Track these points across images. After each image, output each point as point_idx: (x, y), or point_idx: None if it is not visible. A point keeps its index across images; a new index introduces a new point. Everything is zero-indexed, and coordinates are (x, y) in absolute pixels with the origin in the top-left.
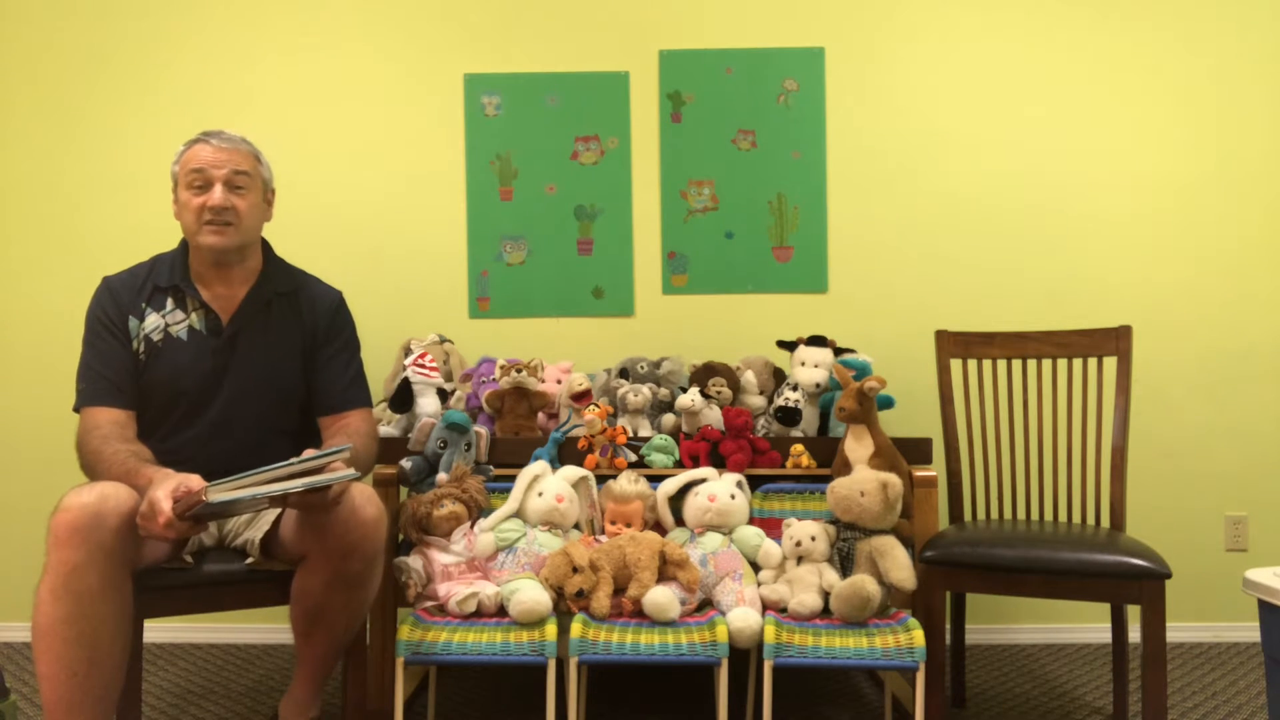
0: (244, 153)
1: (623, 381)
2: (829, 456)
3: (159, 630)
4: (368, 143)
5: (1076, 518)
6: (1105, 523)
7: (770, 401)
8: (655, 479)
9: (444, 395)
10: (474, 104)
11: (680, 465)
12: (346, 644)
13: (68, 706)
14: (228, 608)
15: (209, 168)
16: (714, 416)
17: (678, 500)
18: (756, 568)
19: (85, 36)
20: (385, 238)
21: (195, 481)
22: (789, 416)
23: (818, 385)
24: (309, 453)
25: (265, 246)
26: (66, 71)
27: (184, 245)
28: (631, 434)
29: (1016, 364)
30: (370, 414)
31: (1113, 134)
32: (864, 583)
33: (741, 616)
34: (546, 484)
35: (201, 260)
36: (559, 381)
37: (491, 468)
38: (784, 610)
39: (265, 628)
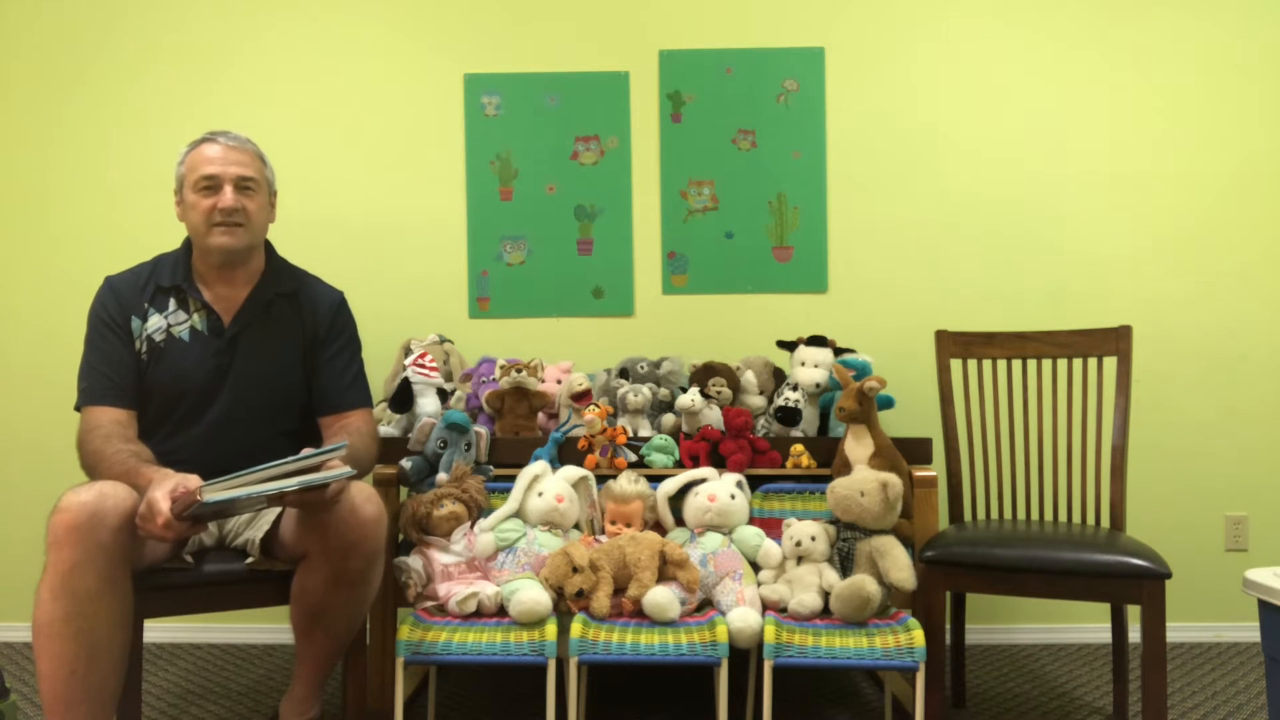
0: (251, 153)
1: (623, 381)
2: (829, 456)
3: (159, 630)
4: (368, 142)
5: (1076, 518)
6: (1105, 523)
7: (770, 401)
8: (655, 479)
9: (444, 395)
10: (474, 104)
11: (680, 465)
12: (347, 644)
13: (66, 704)
14: (228, 608)
15: (219, 169)
16: (714, 416)
17: (678, 500)
18: (756, 568)
19: (78, 36)
20: (385, 238)
21: (193, 481)
22: (789, 416)
23: (818, 385)
24: (306, 451)
25: (268, 247)
26: (58, 72)
27: (186, 245)
28: (631, 434)
29: (1016, 364)
30: (371, 414)
31: (1113, 134)
32: (864, 583)
33: (741, 616)
34: (546, 484)
35: (206, 261)
36: (559, 381)
37: (491, 468)
38: (784, 610)
39: (265, 628)
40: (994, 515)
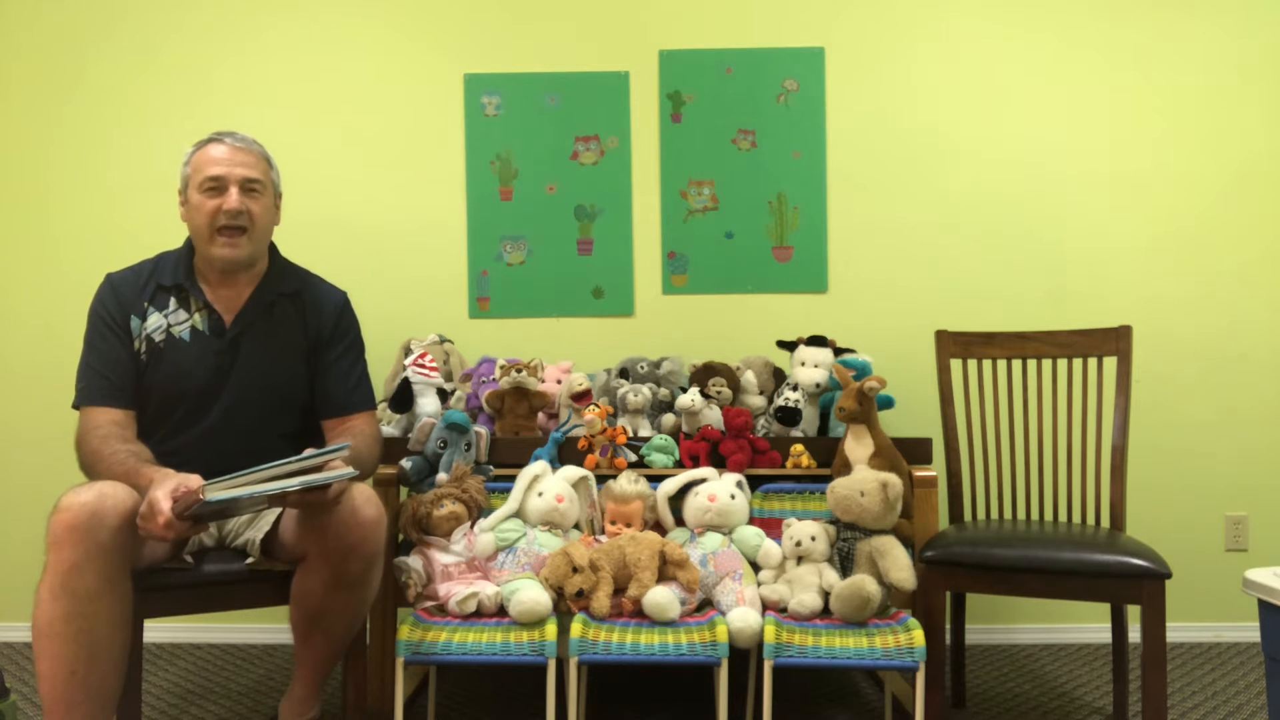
0: (257, 155)
1: (623, 381)
2: (829, 456)
3: (159, 630)
4: (368, 142)
5: (1076, 518)
6: (1105, 523)
7: (770, 401)
8: (655, 479)
9: (444, 395)
10: (474, 104)
11: (680, 465)
12: (346, 645)
13: (66, 705)
14: (228, 608)
15: (224, 170)
16: (714, 416)
17: (678, 500)
18: (756, 568)
19: (78, 36)
20: (385, 238)
21: (195, 481)
22: (789, 416)
23: (818, 385)
24: (308, 451)
25: (271, 247)
26: (58, 72)
27: (189, 243)
28: (631, 434)
29: (1016, 364)
30: (374, 417)
31: (1113, 134)
32: (864, 583)
33: (741, 616)
34: (546, 484)
35: (208, 263)
36: (559, 381)
37: (491, 468)
38: (784, 610)
39: (265, 628)
40: (994, 515)
